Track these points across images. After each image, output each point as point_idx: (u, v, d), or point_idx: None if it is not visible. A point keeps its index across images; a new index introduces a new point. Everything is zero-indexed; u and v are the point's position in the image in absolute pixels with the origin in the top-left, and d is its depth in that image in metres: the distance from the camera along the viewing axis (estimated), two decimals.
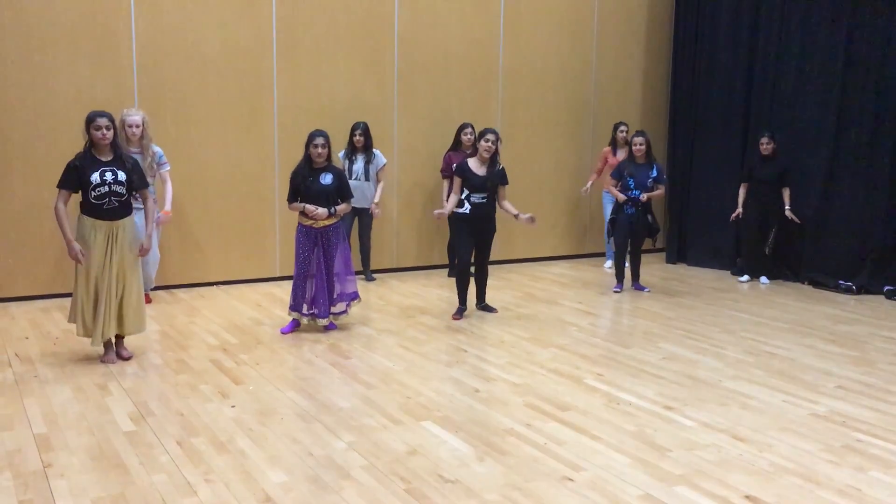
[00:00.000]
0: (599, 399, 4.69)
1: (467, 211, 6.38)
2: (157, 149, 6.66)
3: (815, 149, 8.26)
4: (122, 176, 5.07)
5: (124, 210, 5.15)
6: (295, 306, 6.03)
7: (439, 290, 7.68)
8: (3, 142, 6.82)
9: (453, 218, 6.47)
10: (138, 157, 6.12)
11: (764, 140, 8.04)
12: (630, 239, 7.57)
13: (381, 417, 4.34)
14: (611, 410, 4.50)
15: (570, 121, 9.32)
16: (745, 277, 8.30)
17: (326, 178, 5.90)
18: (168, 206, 6.70)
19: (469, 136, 7.91)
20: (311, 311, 6.04)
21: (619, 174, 7.60)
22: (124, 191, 5.10)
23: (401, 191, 8.54)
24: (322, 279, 5.98)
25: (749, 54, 8.86)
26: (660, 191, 7.61)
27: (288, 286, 7.17)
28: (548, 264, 9.19)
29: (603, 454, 3.89)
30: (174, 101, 7.45)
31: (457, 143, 8.10)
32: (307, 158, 5.90)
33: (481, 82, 8.89)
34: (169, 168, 6.75)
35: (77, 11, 7.00)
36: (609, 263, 8.82)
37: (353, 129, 7.69)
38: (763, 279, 8.25)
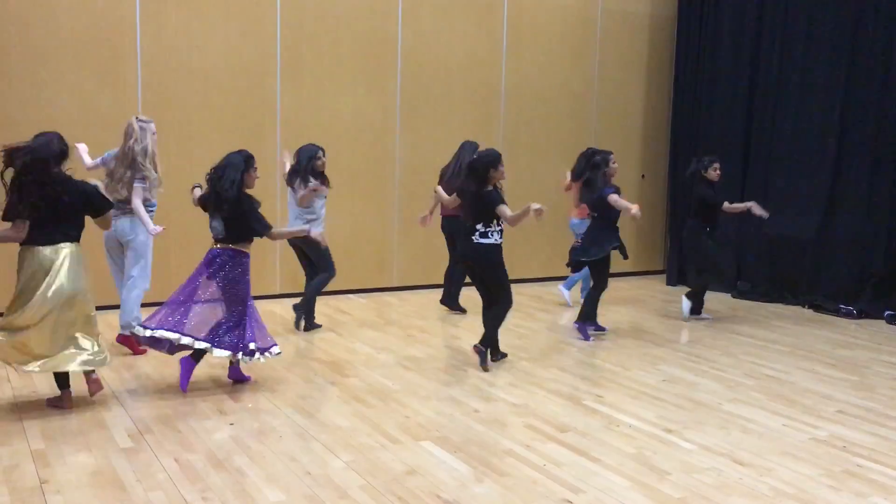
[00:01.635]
0: (599, 421, 4.67)
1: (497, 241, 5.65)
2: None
3: (816, 173, 8.30)
4: None
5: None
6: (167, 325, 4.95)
7: (439, 309, 7.67)
8: None
9: (499, 252, 5.73)
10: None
11: (717, 165, 7.31)
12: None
13: (379, 437, 4.32)
14: (610, 432, 4.48)
15: (572, 141, 9.34)
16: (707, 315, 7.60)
17: None
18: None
19: None
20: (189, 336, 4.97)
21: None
22: None
23: (402, 208, 8.55)
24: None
25: (751, 78, 8.92)
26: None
27: (288, 304, 7.18)
28: (548, 285, 9.19)
29: (602, 476, 3.87)
30: (177, 117, 7.48)
31: None
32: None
33: (483, 102, 8.94)
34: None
35: (83, 27, 7.05)
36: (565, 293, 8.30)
37: (317, 153, 6.47)
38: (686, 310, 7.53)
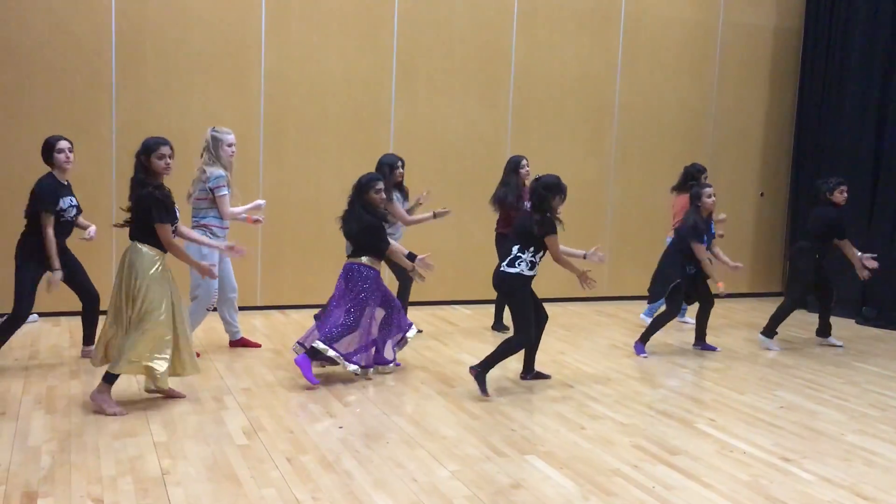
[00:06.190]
0: (711, 445, 4.51)
1: (535, 272, 5.41)
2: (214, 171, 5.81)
3: None
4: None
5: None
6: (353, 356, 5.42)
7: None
8: None
9: (521, 283, 5.35)
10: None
11: (844, 187, 6.83)
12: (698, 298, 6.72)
13: (485, 448, 4.32)
14: (723, 458, 4.32)
15: (687, 158, 9.08)
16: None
17: None
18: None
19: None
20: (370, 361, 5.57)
21: (700, 238, 6.47)
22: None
23: None
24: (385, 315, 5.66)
25: (882, 92, 8.49)
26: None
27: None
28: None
29: (715, 503, 3.73)
30: (296, 128, 7.75)
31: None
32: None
33: (596, 117, 8.85)
34: (225, 194, 5.78)
35: (212, 42, 7.42)
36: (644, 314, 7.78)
37: (395, 163, 6.52)
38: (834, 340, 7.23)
